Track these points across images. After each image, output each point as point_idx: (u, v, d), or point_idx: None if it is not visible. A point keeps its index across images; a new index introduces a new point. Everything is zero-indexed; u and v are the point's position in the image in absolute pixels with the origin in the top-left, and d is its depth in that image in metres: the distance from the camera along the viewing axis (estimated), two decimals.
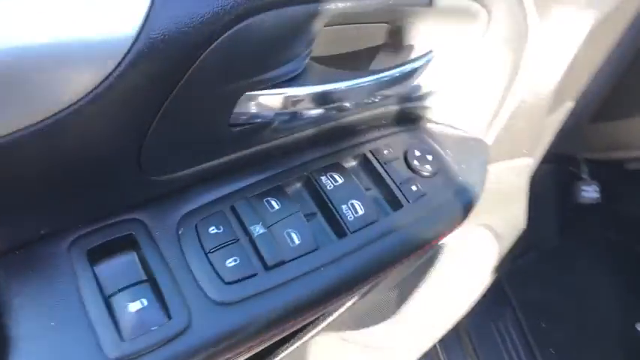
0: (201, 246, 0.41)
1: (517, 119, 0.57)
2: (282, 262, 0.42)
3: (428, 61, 0.49)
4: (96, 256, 0.39)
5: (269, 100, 0.40)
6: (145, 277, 0.39)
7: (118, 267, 0.40)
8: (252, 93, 0.39)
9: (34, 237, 0.38)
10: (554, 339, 1.18)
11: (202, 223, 0.42)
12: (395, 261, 0.48)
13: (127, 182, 0.39)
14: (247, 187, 0.45)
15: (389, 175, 0.49)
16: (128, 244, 0.40)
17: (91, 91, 0.30)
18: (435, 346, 1.20)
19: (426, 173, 0.51)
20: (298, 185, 0.47)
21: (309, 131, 0.48)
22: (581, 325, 1.19)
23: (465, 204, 0.53)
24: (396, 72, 0.47)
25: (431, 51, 0.48)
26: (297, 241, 0.43)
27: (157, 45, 0.31)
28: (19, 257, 0.37)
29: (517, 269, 1.30)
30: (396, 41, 0.48)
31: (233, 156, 0.44)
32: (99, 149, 0.34)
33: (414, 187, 0.49)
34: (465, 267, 0.84)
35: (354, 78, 0.44)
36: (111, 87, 0.31)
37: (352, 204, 0.46)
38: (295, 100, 0.41)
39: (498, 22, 0.49)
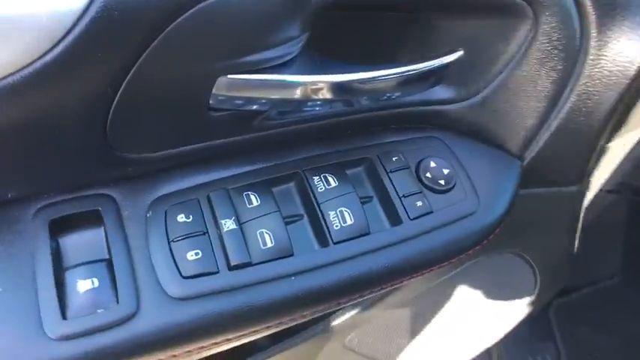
0: (166, 233, 0.38)
1: (561, 140, 0.49)
2: (248, 264, 0.38)
3: (457, 59, 0.42)
4: (61, 227, 0.38)
5: (251, 85, 0.36)
6: (106, 257, 0.38)
7: (81, 242, 0.38)
8: (234, 76, 0.35)
9: (2, 198, 0.37)
10: None
11: (173, 209, 0.39)
12: (382, 282, 0.43)
13: (96, 155, 0.37)
14: (230, 177, 0.42)
15: (393, 186, 0.44)
16: (97, 220, 0.39)
17: (40, 58, 0.29)
18: None
19: (438, 188, 0.45)
20: (289, 183, 0.43)
21: (311, 125, 0.44)
22: None
23: (481, 228, 0.46)
24: (423, 67, 0.41)
25: (460, 49, 0.42)
26: (269, 244, 0.39)
27: (111, 15, 0.28)
28: None
29: (567, 304, 1.19)
30: (420, 36, 0.42)
31: (218, 142, 0.41)
32: (59, 118, 0.33)
33: (419, 203, 0.44)
34: (495, 295, 0.76)
35: (361, 70, 0.39)
36: (62, 56, 0.29)
37: (341, 211, 0.41)
38: (285, 88, 0.37)
39: (547, 23, 0.42)
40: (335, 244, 0.41)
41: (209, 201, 0.40)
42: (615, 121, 0.49)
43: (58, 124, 0.33)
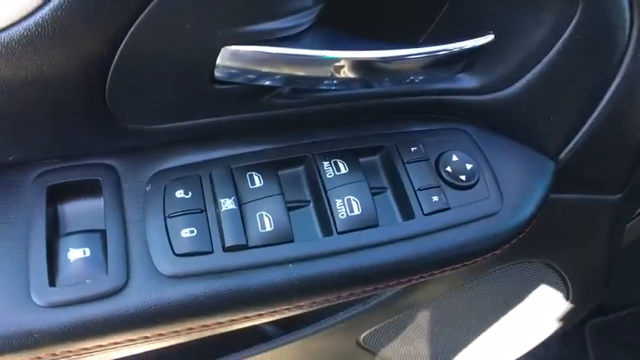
0: (163, 208, 0.37)
1: (602, 143, 0.45)
2: (244, 247, 0.36)
3: (487, 44, 0.39)
4: (60, 194, 0.37)
5: (256, 58, 0.34)
6: (101, 227, 0.37)
7: (78, 210, 0.38)
8: (237, 47, 0.33)
9: (4, 160, 0.37)
10: None
11: (172, 184, 0.38)
12: (387, 278, 0.40)
13: (97, 123, 0.36)
14: (236, 156, 0.40)
15: (408, 177, 0.41)
16: (96, 189, 0.38)
17: (31, 14, 0.28)
18: None
19: (458, 184, 0.42)
20: (298, 167, 0.41)
21: (326, 107, 0.42)
22: None
23: (502, 231, 0.43)
24: (449, 49, 0.37)
25: (490, 32, 0.38)
26: (268, 227, 0.37)
27: None
28: None
29: (605, 324, 1.12)
30: (447, 16, 0.39)
31: (225, 119, 0.39)
32: (55, 79, 0.32)
33: (435, 197, 0.41)
34: (523, 306, 0.72)
35: (380, 48, 0.36)
36: (54, 13, 0.28)
37: (349, 200, 0.39)
38: (295, 64, 0.35)
39: (592, 10, 0.38)
40: (339, 233, 0.38)
41: (211, 179, 0.38)
42: None
43: (54, 86, 0.32)
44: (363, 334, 0.70)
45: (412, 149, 0.42)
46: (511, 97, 0.43)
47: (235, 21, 0.32)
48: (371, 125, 0.44)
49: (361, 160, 0.42)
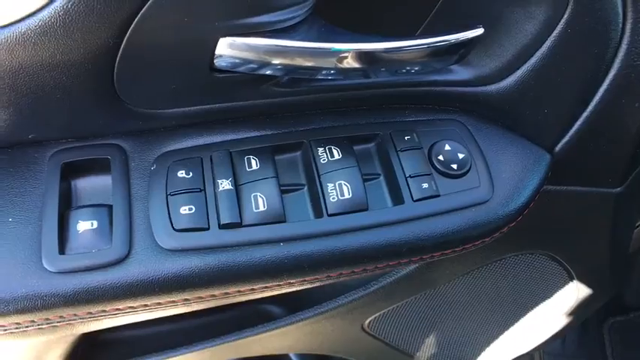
0: (166, 187, 0.40)
1: (599, 135, 0.45)
2: (238, 225, 0.39)
3: (477, 37, 0.39)
4: (73, 171, 0.40)
5: (253, 49, 0.36)
6: (108, 203, 0.40)
7: (89, 186, 0.41)
8: (234, 39, 0.35)
9: (24, 139, 0.40)
10: None
11: (175, 164, 0.41)
12: (375, 260, 0.42)
13: (107, 106, 0.39)
14: (236, 140, 0.43)
15: (400, 165, 0.43)
16: (106, 167, 0.41)
17: (45, 7, 0.31)
18: None
19: (449, 172, 0.43)
20: (295, 152, 0.43)
21: (325, 96, 0.44)
22: None
23: (492, 220, 0.44)
24: (440, 40, 0.38)
25: (479, 25, 0.39)
26: (262, 207, 0.39)
27: None
28: (9, 154, 0.40)
29: (625, 323, 1.10)
30: (439, 10, 0.40)
31: (226, 105, 0.42)
32: (67, 66, 0.35)
33: (425, 185, 0.42)
34: (528, 298, 0.72)
35: (372, 41, 0.38)
36: (65, 5, 0.31)
37: (340, 184, 0.41)
38: (290, 54, 0.37)
39: (584, 4, 0.38)
40: (329, 215, 0.40)
41: (211, 161, 0.41)
42: None
43: (67, 72, 0.35)
44: (368, 320, 0.72)
45: (406, 138, 0.44)
46: (505, 89, 0.44)
47: (232, 14, 0.34)
48: (368, 114, 0.45)
49: (357, 147, 0.44)
